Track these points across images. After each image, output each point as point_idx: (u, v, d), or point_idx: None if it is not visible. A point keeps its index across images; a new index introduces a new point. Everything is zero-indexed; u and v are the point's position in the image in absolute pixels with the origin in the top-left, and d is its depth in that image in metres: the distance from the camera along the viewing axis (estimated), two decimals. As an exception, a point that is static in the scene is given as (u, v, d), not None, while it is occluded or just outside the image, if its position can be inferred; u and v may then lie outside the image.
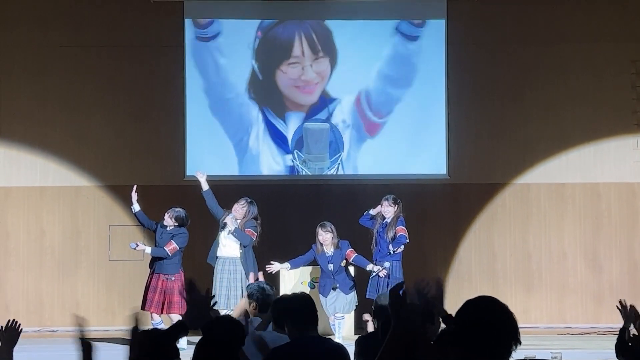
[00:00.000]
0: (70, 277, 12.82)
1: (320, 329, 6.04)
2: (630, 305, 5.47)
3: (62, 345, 11.01)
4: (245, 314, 6.35)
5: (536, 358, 6.99)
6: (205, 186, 11.15)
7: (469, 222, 12.99)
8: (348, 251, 10.90)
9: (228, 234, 10.89)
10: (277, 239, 12.15)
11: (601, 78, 13.00)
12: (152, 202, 11.73)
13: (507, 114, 13.03)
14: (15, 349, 4.63)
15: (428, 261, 12.57)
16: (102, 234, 12.88)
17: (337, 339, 10.16)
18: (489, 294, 3.11)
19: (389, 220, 10.76)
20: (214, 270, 10.97)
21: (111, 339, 11.08)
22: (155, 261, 10.97)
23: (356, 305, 11.09)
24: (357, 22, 13.07)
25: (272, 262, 10.98)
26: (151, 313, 10.84)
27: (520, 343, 2.95)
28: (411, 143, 12.98)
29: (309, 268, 11.45)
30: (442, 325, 4.43)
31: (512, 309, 3.05)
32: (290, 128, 13.00)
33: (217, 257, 10.99)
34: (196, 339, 4.37)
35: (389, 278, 10.56)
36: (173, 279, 10.87)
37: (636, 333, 5.20)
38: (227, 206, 11.07)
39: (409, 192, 12.22)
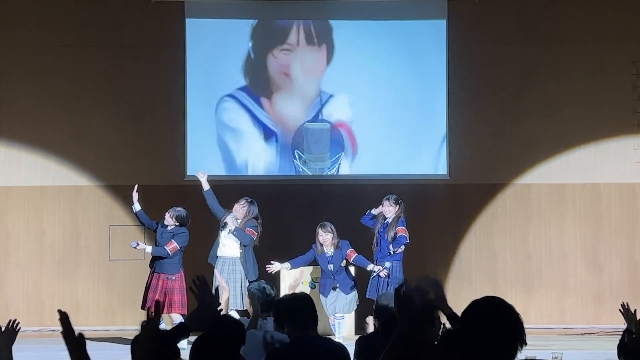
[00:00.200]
0: (70, 277, 12.81)
1: (320, 329, 6.04)
2: (634, 310, 5.45)
3: (62, 345, 11.01)
4: (247, 314, 6.36)
5: (537, 358, 6.99)
6: (206, 186, 11.15)
7: (469, 222, 12.99)
8: (348, 251, 10.90)
9: (228, 233, 10.90)
10: (277, 239, 12.15)
11: (602, 78, 13.00)
12: (152, 202, 11.73)
13: (507, 114, 13.02)
14: (15, 348, 4.64)
15: (428, 261, 12.56)
16: (102, 234, 12.88)
17: (337, 339, 10.16)
18: (489, 294, 3.10)
19: (389, 221, 10.75)
20: (213, 270, 10.97)
21: (111, 339, 11.09)
22: (155, 261, 10.97)
23: (357, 305, 11.09)
24: (357, 22, 13.07)
25: (272, 261, 10.98)
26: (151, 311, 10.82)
27: (526, 344, 2.94)
28: (411, 143, 12.98)
29: (310, 268, 11.44)
30: (444, 326, 4.42)
31: (512, 309, 3.05)
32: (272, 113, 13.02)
33: (217, 257, 11.00)
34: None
35: (389, 278, 10.55)
36: (173, 278, 10.87)
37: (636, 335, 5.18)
38: (228, 206, 11.07)
39: (409, 192, 12.21)
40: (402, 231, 10.70)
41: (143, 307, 10.75)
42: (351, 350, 5.53)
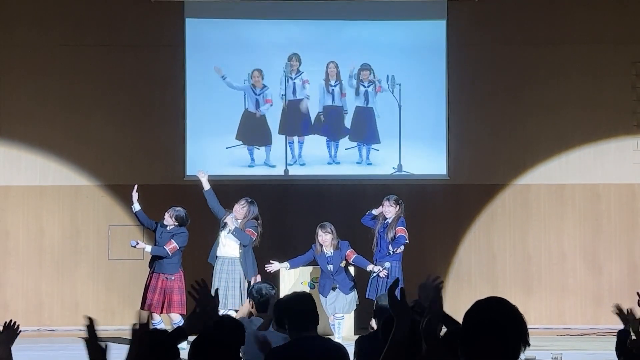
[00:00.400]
0: (69, 277, 12.81)
1: (320, 329, 6.03)
2: (629, 309, 5.44)
3: (61, 344, 11.02)
4: (249, 315, 6.38)
5: (537, 359, 6.98)
6: (206, 186, 11.14)
7: (468, 222, 12.98)
8: (348, 252, 10.90)
9: (228, 233, 10.90)
10: (277, 239, 12.15)
11: (601, 79, 12.99)
12: (152, 202, 11.72)
13: (507, 115, 13.02)
14: (15, 348, 4.64)
15: (428, 261, 12.54)
16: (101, 234, 12.87)
17: (337, 339, 10.16)
18: (488, 295, 3.10)
19: (389, 221, 10.76)
20: (213, 270, 10.97)
21: (111, 339, 11.07)
22: (154, 261, 10.97)
23: (357, 305, 11.09)
24: (357, 22, 13.06)
25: (271, 261, 10.98)
26: (151, 312, 10.82)
27: (529, 345, 2.93)
28: (411, 143, 12.98)
29: (309, 268, 11.44)
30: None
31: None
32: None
33: (216, 257, 11.00)
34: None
35: (388, 278, 10.55)
36: (173, 278, 10.87)
37: (634, 337, 5.18)
38: (228, 206, 11.07)
39: (409, 192, 12.21)
40: (401, 231, 10.71)
41: (142, 307, 10.75)
42: (351, 350, 5.53)
